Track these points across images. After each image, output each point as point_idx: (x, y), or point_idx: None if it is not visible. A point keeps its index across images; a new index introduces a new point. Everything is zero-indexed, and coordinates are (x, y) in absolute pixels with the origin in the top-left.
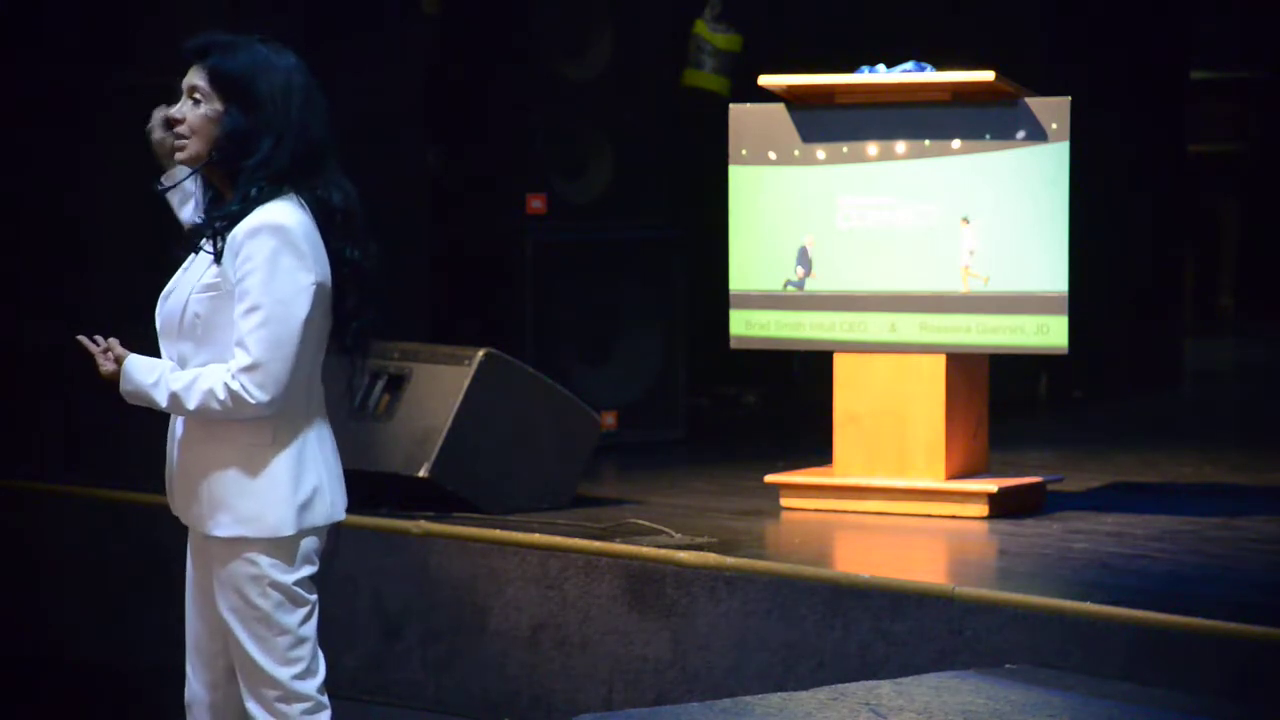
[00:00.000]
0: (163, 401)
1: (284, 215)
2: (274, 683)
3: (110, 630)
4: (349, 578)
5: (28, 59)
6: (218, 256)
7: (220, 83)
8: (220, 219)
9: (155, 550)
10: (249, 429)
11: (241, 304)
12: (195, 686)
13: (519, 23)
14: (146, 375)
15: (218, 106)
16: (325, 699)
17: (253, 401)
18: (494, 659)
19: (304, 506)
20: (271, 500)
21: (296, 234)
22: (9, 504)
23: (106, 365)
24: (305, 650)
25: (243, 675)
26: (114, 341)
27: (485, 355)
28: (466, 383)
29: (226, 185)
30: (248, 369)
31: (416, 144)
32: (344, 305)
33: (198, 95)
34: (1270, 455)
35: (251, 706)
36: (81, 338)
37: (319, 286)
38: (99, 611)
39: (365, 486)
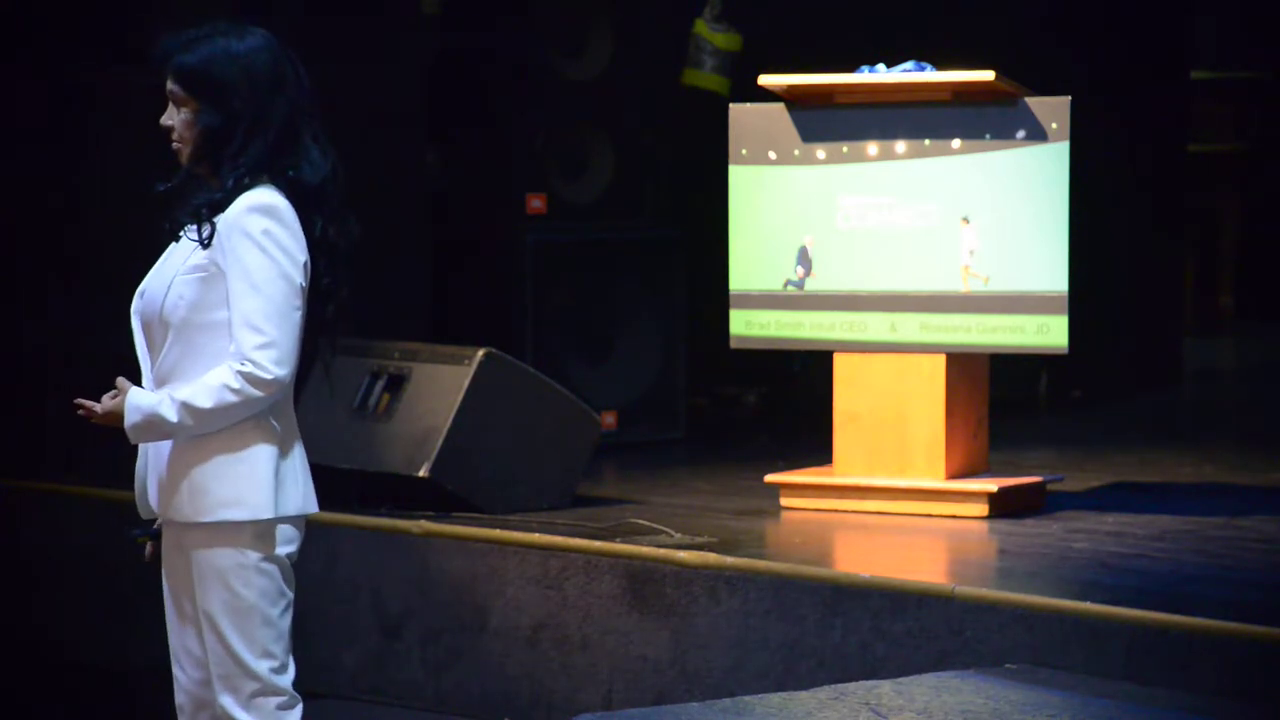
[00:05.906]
0: (173, 416)
1: (271, 197)
2: (254, 675)
3: (110, 630)
4: (349, 578)
5: (29, 57)
6: (206, 241)
7: (185, 81)
8: (205, 206)
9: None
10: None
11: (239, 284)
12: (188, 687)
13: (519, 23)
14: (150, 398)
15: (194, 106)
16: (297, 695)
17: (269, 377)
18: (494, 659)
19: (281, 491)
20: (252, 484)
21: (286, 214)
22: (9, 504)
23: (107, 403)
24: (282, 646)
25: (220, 671)
26: (121, 380)
27: (485, 355)
28: (466, 383)
29: (213, 177)
30: (262, 346)
31: (416, 144)
32: (318, 285)
33: (175, 100)
34: (1270, 455)
35: (226, 701)
36: (80, 400)
37: (307, 265)
38: (99, 611)
39: (365, 486)
